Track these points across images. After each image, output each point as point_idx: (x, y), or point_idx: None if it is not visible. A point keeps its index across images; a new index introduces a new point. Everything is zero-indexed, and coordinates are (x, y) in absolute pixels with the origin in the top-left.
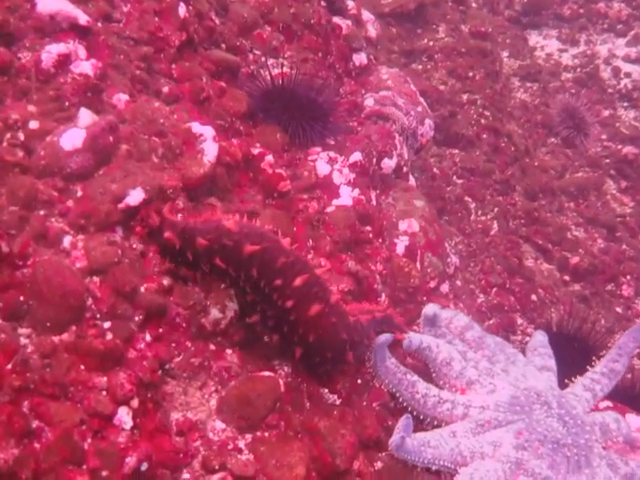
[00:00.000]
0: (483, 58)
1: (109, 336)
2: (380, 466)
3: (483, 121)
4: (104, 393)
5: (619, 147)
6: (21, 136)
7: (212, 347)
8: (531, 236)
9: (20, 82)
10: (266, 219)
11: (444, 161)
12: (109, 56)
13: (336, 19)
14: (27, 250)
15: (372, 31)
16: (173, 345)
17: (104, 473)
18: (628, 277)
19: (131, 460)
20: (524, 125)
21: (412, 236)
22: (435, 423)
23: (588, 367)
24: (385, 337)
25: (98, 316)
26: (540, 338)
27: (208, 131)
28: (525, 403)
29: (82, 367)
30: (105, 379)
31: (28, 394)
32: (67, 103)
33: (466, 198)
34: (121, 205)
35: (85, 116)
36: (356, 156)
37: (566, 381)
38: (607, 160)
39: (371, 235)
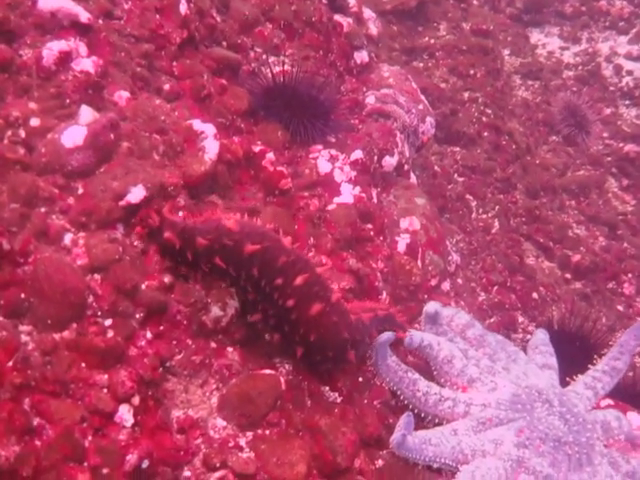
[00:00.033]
0: (484, 56)
1: (110, 334)
2: (381, 464)
3: (484, 119)
4: (105, 391)
5: (621, 145)
6: (22, 133)
7: (213, 345)
8: (532, 234)
9: (21, 79)
10: (267, 217)
11: (445, 159)
12: (110, 53)
13: (337, 17)
14: (28, 247)
15: (373, 29)
16: (174, 343)
17: (105, 471)
18: (629, 275)
19: (132, 458)
20: (525, 123)
21: (413, 234)
22: (436, 421)
23: (589, 365)
24: (387, 335)
25: (99, 313)
26: (541, 336)
27: (209, 129)
28: (526, 401)
29: (83, 364)
30: (106, 376)
31: (29, 391)
32: (68, 100)
33: (467, 196)
34: (122, 202)
35: (86, 113)
36: (357, 154)
37: (567, 379)
38: (609, 158)
39: (372, 233)
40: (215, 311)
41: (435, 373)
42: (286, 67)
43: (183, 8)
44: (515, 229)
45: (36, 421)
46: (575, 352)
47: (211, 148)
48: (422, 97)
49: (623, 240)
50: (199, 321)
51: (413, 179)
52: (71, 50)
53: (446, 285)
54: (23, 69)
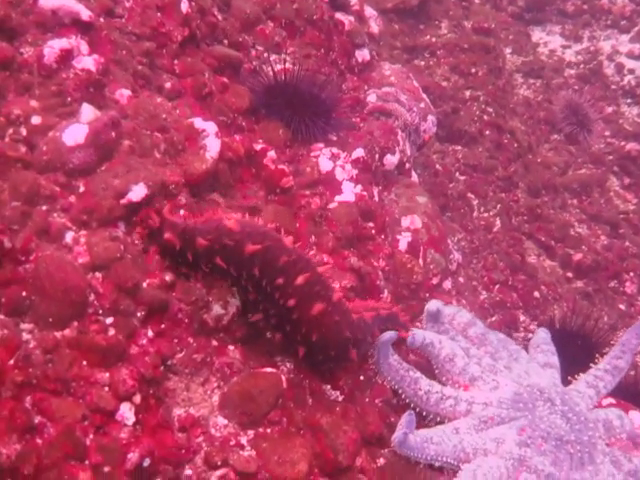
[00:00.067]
0: (486, 54)
1: (111, 332)
2: (383, 462)
3: (486, 117)
4: (106, 389)
5: (622, 144)
6: (23, 131)
7: (214, 343)
8: (534, 233)
9: (22, 77)
10: (268, 215)
11: (447, 157)
12: (111, 51)
13: (339, 15)
14: (29, 245)
15: (375, 27)
16: (175, 341)
17: (106, 469)
18: (631, 274)
19: (133, 456)
20: (527, 121)
21: (415, 232)
22: (438, 419)
23: (591, 364)
24: (390, 335)
25: (100, 312)
26: (543, 335)
27: (210, 127)
28: (528, 400)
29: (84, 363)
30: (107, 375)
31: (30, 390)
32: (69, 98)
33: (469, 195)
34: (123, 201)
35: (87, 111)
36: (359, 152)
37: (569, 378)
38: (610, 157)
39: (373, 231)
40: (216, 309)
41: (437, 372)
42: (287, 65)
43: (184, 6)
44: (517, 228)
45: (37, 419)
46: (577, 351)
47: (212, 146)
48: (423, 95)
49: (625, 239)
50: (200, 319)
51: (414, 177)
52: (72, 48)
53: (447, 284)
54: (24, 67)
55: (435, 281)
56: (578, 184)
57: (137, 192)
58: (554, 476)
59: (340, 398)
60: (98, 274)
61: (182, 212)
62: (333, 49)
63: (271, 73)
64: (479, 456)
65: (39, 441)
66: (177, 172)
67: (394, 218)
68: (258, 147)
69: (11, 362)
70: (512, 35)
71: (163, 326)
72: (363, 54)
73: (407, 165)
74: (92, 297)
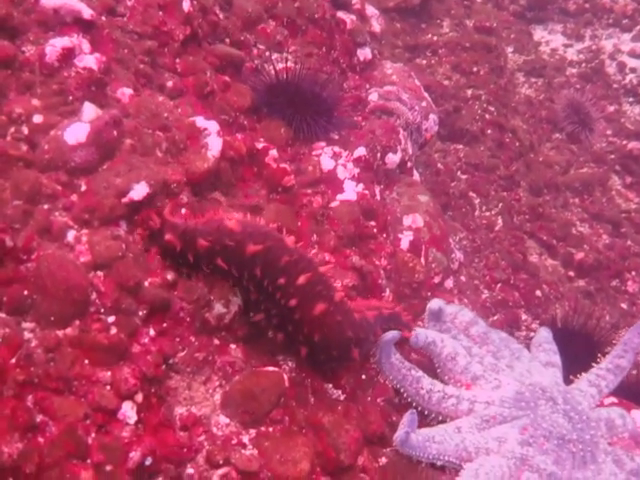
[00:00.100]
0: (487, 53)
1: (113, 330)
2: (384, 462)
3: (487, 116)
4: (108, 387)
5: (624, 143)
6: (25, 130)
7: (216, 342)
8: (536, 232)
9: (24, 76)
10: (270, 214)
11: (448, 156)
12: (113, 50)
13: (340, 14)
14: (31, 244)
15: (376, 26)
16: (177, 340)
17: (108, 468)
18: (633, 273)
19: (135, 455)
20: (529, 120)
21: (416, 231)
22: (440, 419)
23: (593, 363)
24: (392, 334)
25: (102, 310)
26: (545, 334)
27: (212, 125)
28: (530, 399)
29: (86, 361)
30: (109, 373)
31: (32, 388)
32: (71, 97)
33: (470, 193)
34: (125, 199)
35: (89, 110)
36: (360, 151)
37: (571, 377)
38: (612, 156)
39: (375, 230)
40: (218, 308)
41: (439, 370)
42: (289, 64)
43: (186, 5)
44: (518, 227)
45: (39, 418)
46: (579, 350)
47: (214, 145)
48: (425, 94)
49: (627, 238)
50: (202, 318)
51: (416, 176)
52: (74, 47)
53: (449, 283)
54: (26, 66)
55: (437, 280)
56: (580, 183)
57: (139, 191)
58: (556, 475)
59: (342, 397)
60: (100, 273)
61: (184, 211)
62: (335, 48)
63: (273, 72)
64: (481, 455)
65: (41, 440)
66: (179, 171)
67: (396, 217)
68: (260, 146)
69: (13, 361)
70: (514, 34)
71: (165, 325)
72: (365, 53)
73: (409, 164)
74: (94, 296)
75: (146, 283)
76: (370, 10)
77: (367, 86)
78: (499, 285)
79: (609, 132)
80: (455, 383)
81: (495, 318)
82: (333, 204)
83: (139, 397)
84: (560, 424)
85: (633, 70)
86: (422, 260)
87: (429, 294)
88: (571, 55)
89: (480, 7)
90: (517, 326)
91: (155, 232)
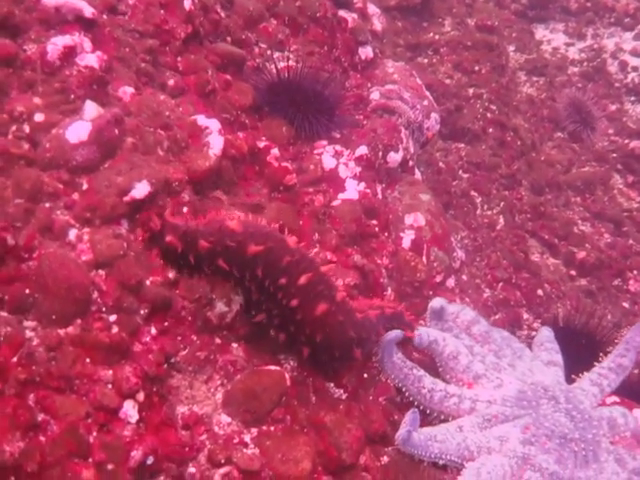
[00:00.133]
0: (489, 52)
1: (115, 329)
2: (386, 460)
3: (489, 115)
4: (110, 386)
5: (626, 141)
6: (26, 128)
7: (218, 341)
8: (537, 231)
9: (25, 74)
10: (272, 212)
11: (450, 155)
12: (114, 49)
13: (342, 12)
14: (33, 243)
15: (378, 24)
16: (179, 338)
17: (110, 467)
18: (635, 272)
19: (137, 454)
20: (530, 119)
21: (418, 230)
22: (442, 417)
23: (595, 363)
24: (395, 334)
25: (104, 309)
26: (546, 333)
27: (214, 124)
28: (532, 398)
29: (88, 360)
30: (111, 372)
31: (34, 387)
32: (72, 95)
33: (472, 192)
34: (127, 198)
35: (90, 109)
36: (362, 150)
37: (573, 376)
38: (614, 155)
39: (377, 229)
40: (220, 307)
41: (440, 369)
42: (291, 63)
43: (187, 3)
44: (520, 226)
45: (41, 417)
46: (580, 349)
47: (216, 143)
48: (427, 93)
49: (628, 237)
50: (204, 317)
51: (418, 175)
52: (75, 45)
53: (451, 281)
54: (27, 64)
55: (438, 279)
56: (582, 182)
57: (140, 189)
58: (558, 474)
59: (344, 396)
60: (101, 271)
61: (185, 209)
62: (336, 46)
63: (274, 70)
64: (483, 454)
65: (42, 439)
66: (180, 169)
67: (397, 216)
68: (261, 144)
69: (14, 359)
70: (515, 33)
71: (166, 324)
72: (366, 51)
73: (410, 163)
74: (95, 294)
75: (147, 282)
76: (372, 9)
77: (369, 85)
78: (501, 284)
79: (611, 131)
80: (457, 382)
81: (497, 317)
82: (335, 203)
83: (140, 396)
84: (562, 423)
85: (635, 69)
86: (424, 259)
87: (431, 293)
88: (573, 54)
89: (482, 6)
90: (519, 325)
91: (156, 234)
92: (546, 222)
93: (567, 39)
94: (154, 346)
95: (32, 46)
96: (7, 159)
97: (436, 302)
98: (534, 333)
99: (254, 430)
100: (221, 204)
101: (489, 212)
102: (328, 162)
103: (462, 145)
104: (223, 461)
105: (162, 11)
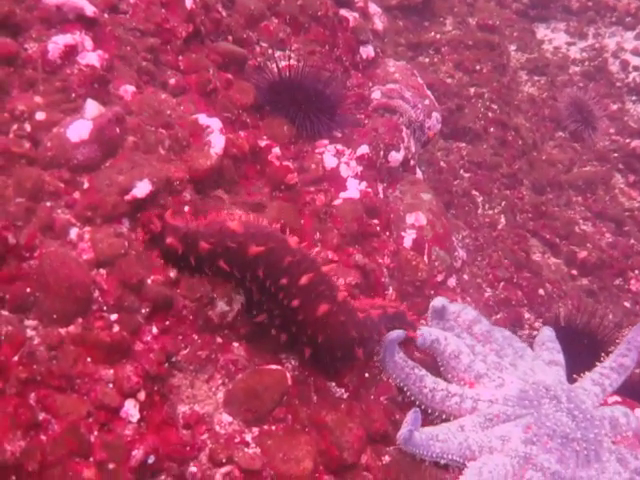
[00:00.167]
0: (490, 51)
1: (116, 328)
2: (388, 460)
3: (490, 114)
4: (111, 386)
5: (627, 141)
6: (27, 127)
7: (219, 340)
8: (538, 230)
9: (26, 73)
10: (273, 212)
11: (451, 154)
12: (116, 47)
13: (343, 11)
14: (34, 242)
15: (379, 24)
16: (180, 338)
17: (111, 466)
18: (636, 272)
19: (138, 453)
20: (532, 119)
21: (419, 229)
22: (443, 417)
23: (597, 362)
24: (397, 333)
25: (105, 308)
26: (548, 333)
27: (215, 123)
28: (534, 397)
29: (89, 359)
30: (112, 371)
31: (35, 386)
32: (73, 94)
33: (473, 192)
34: (128, 197)
35: (92, 107)
36: (363, 149)
37: (575, 376)
38: (615, 154)
39: (378, 228)
40: (221, 306)
41: (442, 369)
42: (292, 62)
43: (189, 2)
44: (521, 225)
45: (42, 416)
46: (582, 348)
47: (217, 142)
48: (428, 92)
49: (630, 236)
50: (205, 316)
51: (419, 174)
52: (77, 44)
53: (452, 281)
54: (28, 63)
55: (440, 278)
56: (583, 181)
57: (141, 188)
58: (560, 474)
59: (345, 395)
60: (102, 270)
61: (186, 209)
62: (337, 46)
63: (276, 69)
64: (485, 454)
65: (43, 438)
66: (181, 168)
67: (399, 215)
68: (263, 143)
69: (15, 358)
70: (517, 32)
71: (168, 323)
72: (367, 51)
73: (412, 162)
74: (96, 293)
75: (149, 281)
76: (373, 8)
77: (370, 84)
78: (502, 283)
79: (612, 130)
80: (458, 381)
81: (498, 316)
82: (336, 202)
83: (142, 395)
84: (564, 423)
85: (636, 68)
86: (425, 258)
87: (432, 292)
88: (574, 53)
89: (483, 5)
90: (520, 325)
91: (156, 235)
92: (547, 221)
93: (568, 38)
94: (155, 345)
95: (33, 45)
96: (8, 158)
97: (437, 301)
98: (535, 332)
99: (255, 429)
100: (222, 203)
101: (490, 211)
102: (329, 161)
103: (463, 144)
104: (224, 460)
105: (163, 10)
